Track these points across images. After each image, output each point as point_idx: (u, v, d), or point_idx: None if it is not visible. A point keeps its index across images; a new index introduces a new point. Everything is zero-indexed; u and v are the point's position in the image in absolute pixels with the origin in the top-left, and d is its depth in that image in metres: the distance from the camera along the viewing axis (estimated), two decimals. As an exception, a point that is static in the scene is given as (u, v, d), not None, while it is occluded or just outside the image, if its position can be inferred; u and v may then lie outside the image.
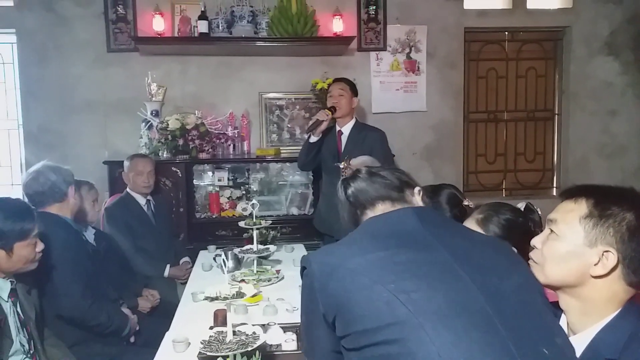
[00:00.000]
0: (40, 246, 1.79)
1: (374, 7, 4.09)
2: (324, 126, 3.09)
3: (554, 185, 4.62)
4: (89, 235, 2.56)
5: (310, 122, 3.15)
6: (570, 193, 1.09)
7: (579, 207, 1.04)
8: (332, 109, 3.10)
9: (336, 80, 3.30)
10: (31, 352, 1.77)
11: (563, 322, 1.10)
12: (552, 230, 1.08)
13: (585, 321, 1.04)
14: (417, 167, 4.25)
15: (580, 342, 1.03)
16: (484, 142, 4.55)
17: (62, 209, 2.24)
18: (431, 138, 4.29)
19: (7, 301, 1.73)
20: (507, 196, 4.54)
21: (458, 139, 4.37)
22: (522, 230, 1.45)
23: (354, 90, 3.21)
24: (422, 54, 4.21)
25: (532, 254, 1.14)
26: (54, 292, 2.02)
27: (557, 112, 4.57)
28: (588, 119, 4.43)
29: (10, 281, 1.75)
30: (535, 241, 1.13)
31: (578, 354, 1.01)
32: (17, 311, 1.76)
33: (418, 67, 4.21)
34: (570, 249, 1.04)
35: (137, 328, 2.34)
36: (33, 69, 3.85)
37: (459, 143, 4.38)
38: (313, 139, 3.15)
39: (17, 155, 4.03)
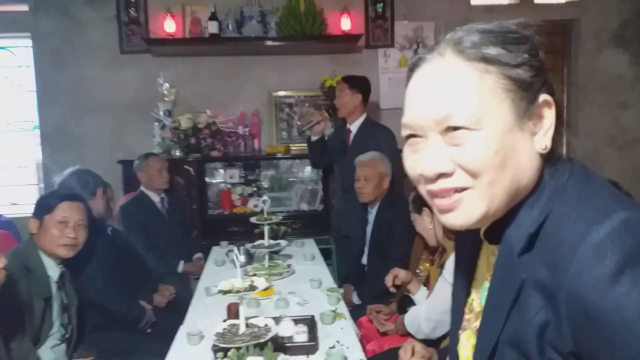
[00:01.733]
0: (72, 233, 1.91)
1: (382, 5, 4.11)
2: (322, 126, 3.18)
3: (564, 178, 4.61)
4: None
5: (301, 123, 3.24)
6: None
7: None
8: (331, 110, 3.17)
9: (341, 79, 3.34)
10: (66, 336, 1.87)
11: None
12: None
13: None
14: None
15: None
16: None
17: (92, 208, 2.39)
18: (440, 133, 4.31)
19: (55, 284, 1.87)
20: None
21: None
22: None
23: (356, 87, 3.19)
24: (430, 50, 4.22)
25: None
26: (82, 278, 2.14)
27: (565, 105, 4.56)
28: (597, 112, 4.41)
29: (60, 266, 1.90)
30: None
31: None
32: (61, 296, 1.88)
33: (426, 63, 4.23)
34: None
35: (154, 319, 2.42)
36: (49, 72, 3.95)
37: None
38: (313, 138, 3.25)
39: (33, 156, 4.13)
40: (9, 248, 2.10)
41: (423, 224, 2.10)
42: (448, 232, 1.96)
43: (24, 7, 3.89)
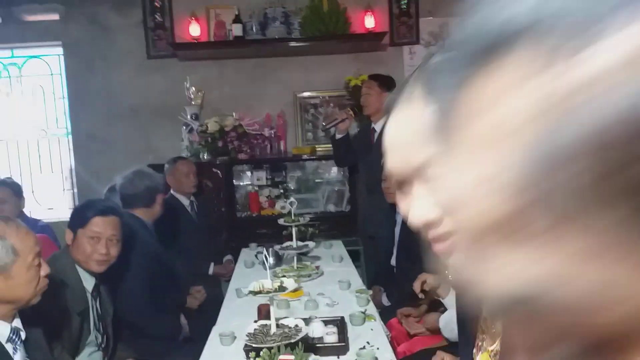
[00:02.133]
0: (103, 249, 1.89)
1: (406, 1, 4.07)
2: (347, 124, 3.16)
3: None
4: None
5: (328, 119, 3.22)
6: None
7: None
8: (357, 108, 3.15)
9: (369, 77, 3.31)
10: (102, 346, 1.90)
11: None
12: None
13: None
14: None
15: None
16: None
17: (146, 214, 2.42)
18: (468, 130, 4.24)
19: (90, 295, 1.89)
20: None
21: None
22: None
23: (384, 86, 3.18)
24: (456, 46, 4.16)
25: None
26: (123, 296, 2.13)
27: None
28: None
29: (95, 277, 1.91)
30: None
31: None
32: (96, 306, 1.91)
33: (453, 60, 4.17)
34: None
35: (188, 334, 2.39)
36: (79, 79, 4.05)
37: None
38: (338, 136, 3.23)
39: (67, 162, 4.24)
40: (50, 251, 2.15)
41: None
42: None
43: (55, 17, 3.99)
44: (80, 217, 1.89)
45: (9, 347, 1.43)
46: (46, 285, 1.50)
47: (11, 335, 1.45)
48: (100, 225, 1.87)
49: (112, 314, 1.98)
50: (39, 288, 1.48)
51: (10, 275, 1.41)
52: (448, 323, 1.94)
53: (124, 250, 2.00)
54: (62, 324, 1.73)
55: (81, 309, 1.82)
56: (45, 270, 1.49)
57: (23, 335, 1.48)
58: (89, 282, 1.89)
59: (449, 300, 2.01)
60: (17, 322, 1.47)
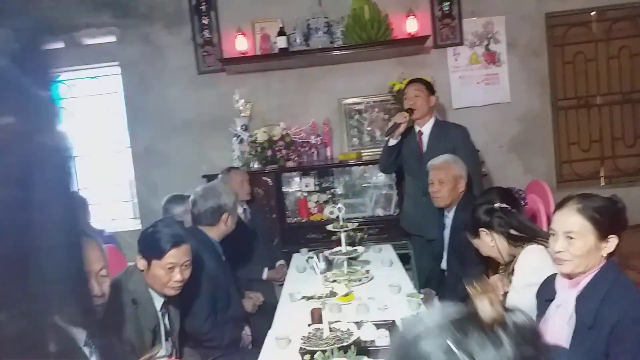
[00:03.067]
0: (178, 276, 1.95)
1: (448, 3, 4.06)
2: (402, 128, 3.08)
3: (659, 169, 4.29)
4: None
5: (388, 126, 3.17)
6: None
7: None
8: (410, 111, 3.10)
9: (411, 81, 3.29)
10: (168, 355, 2.02)
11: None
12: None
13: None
14: (504, 161, 4.16)
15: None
16: (575, 129, 4.33)
17: (212, 231, 2.52)
18: (517, 129, 4.17)
19: (160, 311, 2.00)
20: (606, 185, 4.28)
21: (547, 128, 4.21)
22: (617, 217, 1.49)
23: (430, 89, 3.18)
24: (501, 45, 4.11)
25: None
26: (189, 312, 2.22)
27: (657, 93, 4.24)
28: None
29: (163, 296, 2.01)
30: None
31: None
32: (165, 323, 2.01)
33: (499, 58, 4.12)
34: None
35: (250, 344, 2.44)
36: (136, 96, 4.28)
37: (548, 132, 4.21)
38: (392, 142, 3.15)
39: (127, 175, 4.48)
40: (117, 261, 2.28)
41: (486, 244, 2.04)
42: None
43: (112, 39, 4.26)
44: (154, 249, 1.93)
45: (86, 350, 1.57)
46: (107, 295, 1.62)
47: (87, 339, 1.58)
48: (175, 257, 1.93)
49: (179, 328, 2.08)
50: (101, 300, 1.61)
51: None
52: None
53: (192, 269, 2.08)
54: (136, 338, 1.85)
55: (153, 326, 1.93)
56: (107, 281, 1.61)
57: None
58: (158, 301, 1.99)
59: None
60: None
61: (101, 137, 4.52)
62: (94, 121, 4.49)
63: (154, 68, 4.26)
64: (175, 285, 1.95)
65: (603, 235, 1.43)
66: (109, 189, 4.55)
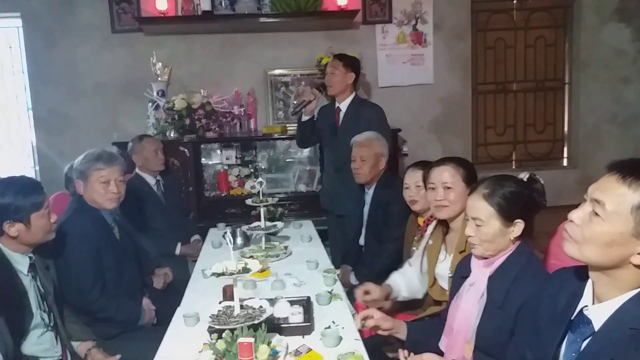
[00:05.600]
0: (54, 217, 1.85)
1: (379, -21, 4.02)
2: (313, 105, 3.10)
3: (564, 155, 4.58)
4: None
5: (297, 102, 3.15)
6: (623, 172, 0.98)
7: (634, 195, 0.95)
8: (322, 88, 3.09)
9: (335, 57, 3.24)
10: (51, 324, 1.84)
11: (589, 288, 1.07)
12: (596, 213, 0.99)
13: (613, 292, 1.01)
14: (425, 141, 4.24)
15: (604, 311, 1.01)
16: (492, 113, 4.50)
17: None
18: (439, 111, 4.26)
19: (27, 275, 1.80)
20: (516, 168, 4.52)
21: (466, 111, 4.34)
22: (526, 201, 1.48)
23: (350, 65, 3.12)
24: (428, 26, 4.15)
25: (568, 228, 1.05)
26: (66, 280, 2.02)
27: (567, 82, 4.50)
28: (599, 88, 4.36)
29: (28, 257, 1.82)
30: (573, 216, 1.04)
31: (601, 322, 1.00)
32: (37, 285, 1.83)
33: (425, 39, 4.16)
34: (615, 237, 0.97)
35: (154, 322, 2.26)
36: (40, 53, 3.88)
37: (467, 115, 4.34)
38: (304, 118, 3.15)
39: (27, 139, 4.08)
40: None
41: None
42: None
43: (13, -14, 3.80)
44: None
45: None
46: None
47: None
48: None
49: (55, 292, 1.90)
50: None
51: None
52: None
53: (65, 229, 1.98)
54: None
55: (17, 292, 1.74)
56: None
57: None
58: (22, 265, 1.79)
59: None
60: None
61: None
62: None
63: (62, 23, 3.87)
64: (54, 227, 1.87)
65: (509, 221, 1.45)
66: (6, 152, 4.13)
